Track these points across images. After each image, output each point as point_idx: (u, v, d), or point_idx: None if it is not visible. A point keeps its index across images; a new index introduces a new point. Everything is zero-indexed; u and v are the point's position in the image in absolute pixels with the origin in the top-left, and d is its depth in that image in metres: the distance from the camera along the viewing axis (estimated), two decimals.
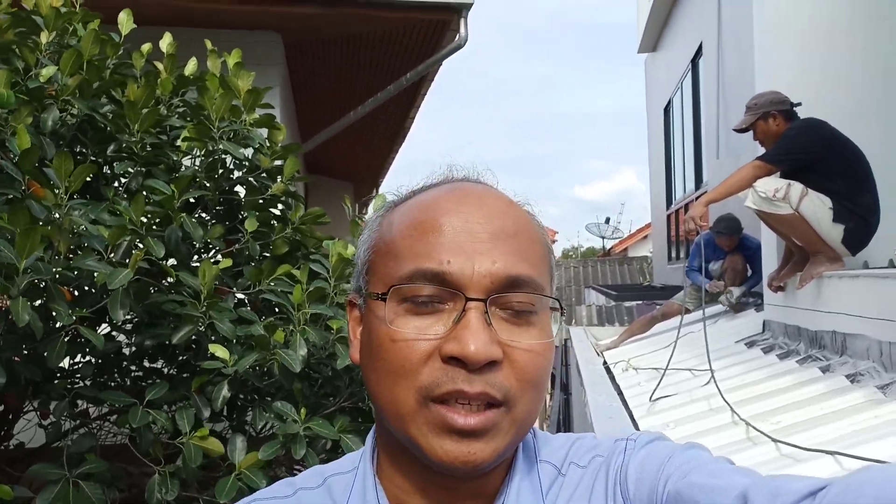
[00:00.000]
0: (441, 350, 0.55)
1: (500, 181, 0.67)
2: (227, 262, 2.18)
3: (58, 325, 1.72)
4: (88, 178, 2.31)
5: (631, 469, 0.61)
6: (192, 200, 2.36)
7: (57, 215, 1.79)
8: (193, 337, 2.01)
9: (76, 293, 2.07)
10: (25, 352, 2.03)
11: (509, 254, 0.57)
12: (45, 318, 1.83)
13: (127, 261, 1.87)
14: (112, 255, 1.88)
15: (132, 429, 1.92)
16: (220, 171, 2.37)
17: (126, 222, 1.89)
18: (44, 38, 2.07)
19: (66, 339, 1.81)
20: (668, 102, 9.51)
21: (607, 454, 0.64)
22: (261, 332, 1.96)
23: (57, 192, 1.79)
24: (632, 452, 0.62)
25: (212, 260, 2.39)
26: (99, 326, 2.17)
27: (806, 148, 3.22)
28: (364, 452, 0.66)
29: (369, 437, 0.67)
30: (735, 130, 3.62)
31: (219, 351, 1.90)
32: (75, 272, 1.86)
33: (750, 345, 3.83)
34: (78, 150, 2.25)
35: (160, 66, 2.40)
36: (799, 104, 3.44)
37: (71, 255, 1.89)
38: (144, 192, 2.17)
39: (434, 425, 0.55)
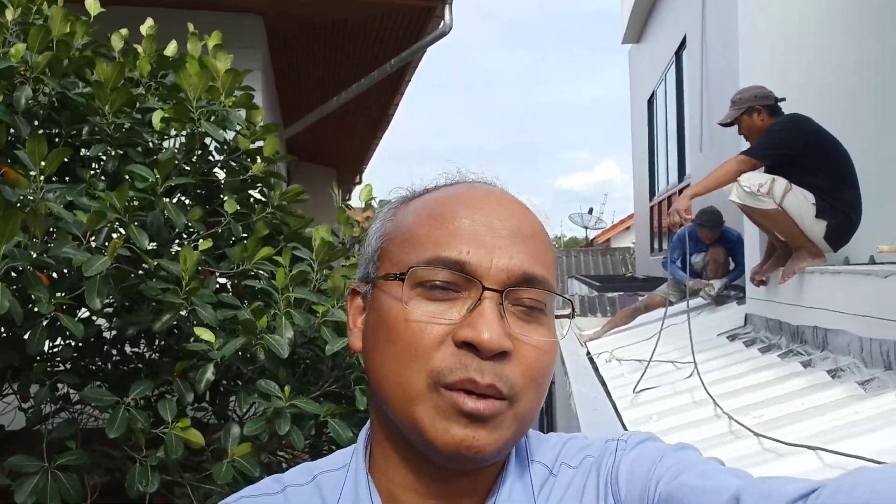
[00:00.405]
0: (455, 335, 0.55)
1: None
2: (208, 244, 2.14)
3: (37, 311, 1.67)
4: (65, 160, 2.26)
5: (622, 470, 0.61)
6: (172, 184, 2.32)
7: (32, 199, 1.74)
8: (174, 322, 1.97)
9: (55, 275, 2.02)
10: (4, 335, 1.98)
11: (526, 253, 0.58)
12: (24, 304, 1.77)
13: (106, 245, 1.82)
14: (92, 240, 1.84)
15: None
16: (199, 152, 2.32)
17: (106, 208, 1.84)
18: (9, 15, 2.01)
19: (45, 325, 1.77)
20: (652, 94, 9.53)
21: (598, 455, 0.64)
22: (247, 316, 1.93)
23: (32, 174, 1.73)
24: (622, 453, 0.62)
25: (193, 245, 2.35)
26: (78, 311, 2.13)
27: (790, 143, 3.23)
28: (356, 449, 0.65)
29: (362, 434, 0.66)
30: (720, 124, 3.63)
31: (204, 334, 1.87)
32: (51, 258, 1.80)
33: (732, 338, 3.85)
34: (52, 130, 2.19)
35: (139, 48, 2.34)
36: (783, 99, 3.45)
37: (48, 240, 1.84)
38: (126, 177, 2.12)
39: (442, 409, 0.55)
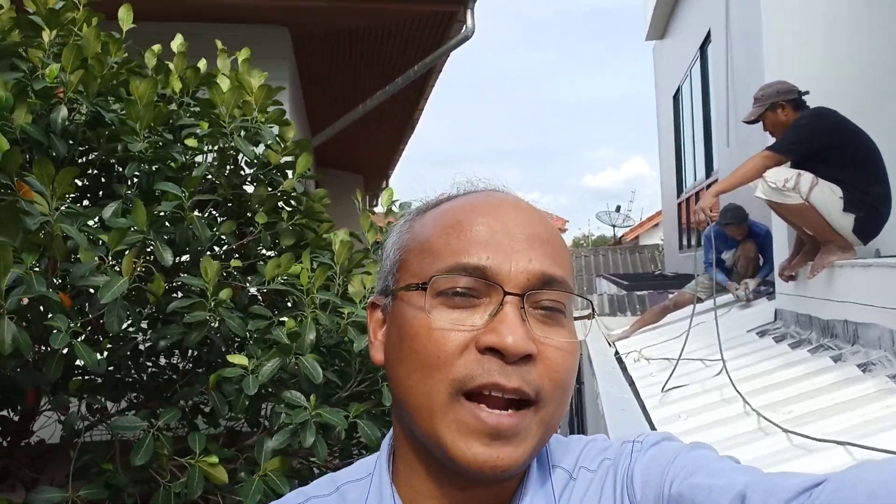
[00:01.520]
0: (478, 341, 0.56)
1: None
2: (237, 263, 2.20)
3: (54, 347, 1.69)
4: (102, 179, 2.34)
5: (637, 471, 0.61)
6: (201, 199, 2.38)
7: (47, 222, 1.73)
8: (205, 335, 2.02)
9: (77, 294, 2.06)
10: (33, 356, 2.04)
11: (543, 255, 0.59)
12: (44, 332, 1.79)
13: (134, 265, 1.85)
14: (112, 262, 1.84)
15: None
16: (231, 167, 2.39)
17: (130, 227, 1.87)
18: (45, 37, 2.07)
19: (65, 353, 1.78)
20: (677, 90, 9.45)
21: (615, 457, 0.64)
22: (283, 338, 1.96)
23: (48, 198, 1.72)
24: (638, 455, 0.63)
25: (222, 255, 2.41)
26: (109, 332, 2.18)
27: (815, 137, 3.20)
28: (379, 458, 0.66)
29: (385, 442, 0.67)
30: (744, 122, 3.61)
31: (236, 359, 1.90)
32: (69, 284, 1.83)
33: (762, 334, 3.82)
34: (85, 148, 2.26)
35: (171, 65, 2.41)
36: (807, 93, 3.42)
37: (70, 261, 1.88)
38: (156, 192, 2.18)
39: (463, 424, 0.55)
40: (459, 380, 0.55)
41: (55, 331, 1.67)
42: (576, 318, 0.62)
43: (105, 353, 2.19)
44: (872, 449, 1.86)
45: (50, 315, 1.79)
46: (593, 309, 0.63)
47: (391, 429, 0.68)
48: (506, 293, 0.57)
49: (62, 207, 1.80)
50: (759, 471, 0.56)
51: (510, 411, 0.55)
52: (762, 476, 0.54)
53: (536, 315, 0.58)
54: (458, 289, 0.57)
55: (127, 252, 1.82)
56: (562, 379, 0.58)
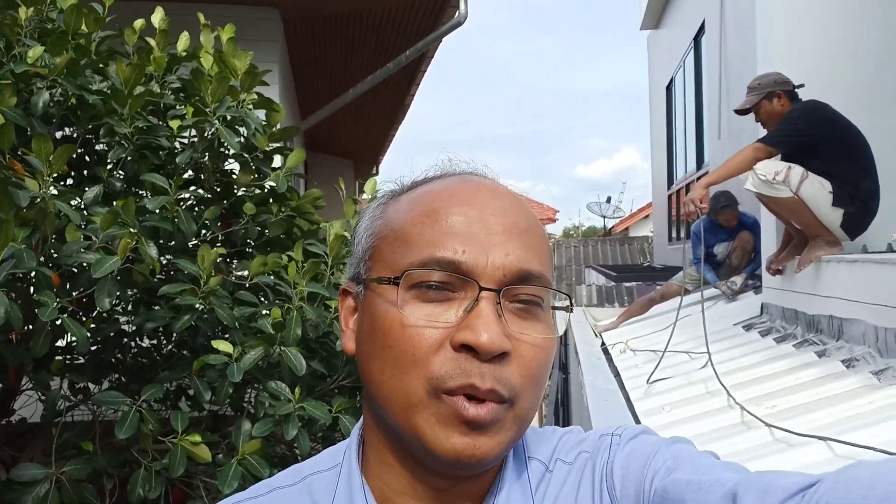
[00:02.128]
0: (453, 339, 0.55)
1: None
2: (221, 251, 2.17)
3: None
4: (86, 159, 2.30)
5: (616, 465, 0.60)
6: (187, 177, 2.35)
7: (40, 199, 1.73)
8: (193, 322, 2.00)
9: (74, 270, 2.05)
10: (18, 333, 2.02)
11: (521, 248, 0.57)
12: (33, 306, 1.79)
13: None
14: (102, 243, 1.85)
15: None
16: (215, 149, 2.35)
17: (118, 212, 1.85)
18: (22, 13, 2.02)
19: (50, 329, 1.78)
20: (671, 81, 9.43)
21: (593, 450, 0.63)
22: (268, 328, 1.94)
23: (44, 175, 1.74)
24: (617, 448, 0.62)
25: (208, 240, 2.38)
26: (93, 312, 2.16)
27: (807, 131, 3.19)
28: (348, 448, 0.64)
29: (354, 433, 0.65)
30: (736, 112, 3.59)
31: (221, 346, 1.88)
32: (60, 260, 1.82)
33: (747, 328, 3.84)
34: (67, 131, 2.22)
35: (152, 42, 2.35)
36: (801, 86, 3.41)
37: (58, 239, 1.87)
38: (139, 179, 2.15)
39: (443, 416, 0.54)
40: (436, 378, 0.54)
41: (43, 306, 1.66)
42: (554, 308, 0.61)
43: (89, 333, 2.18)
44: (854, 445, 1.87)
45: (33, 292, 1.77)
46: (571, 303, 0.61)
47: (360, 418, 0.66)
48: (481, 288, 0.55)
49: (56, 185, 1.79)
50: (744, 467, 0.56)
51: (487, 403, 0.54)
52: (751, 475, 0.53)
53: (512, 309, 0.57)
54: (432, 282, 0.56)
55: (117, 236, 1.80)
56: (535, 375, 0.57)
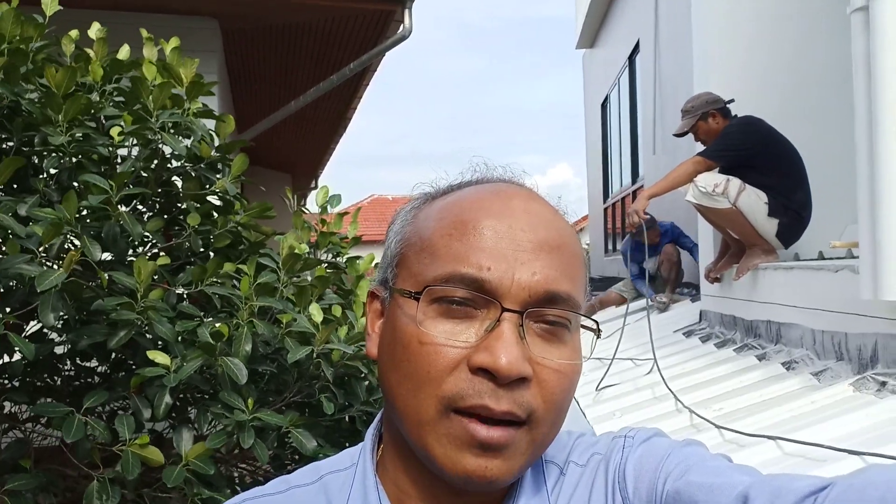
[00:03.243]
0: (470, 360, 0.53)
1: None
2: (165, 260, 2.09)
3: None
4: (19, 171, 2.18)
5: (629, 468, 0.60)
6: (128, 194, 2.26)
7: None
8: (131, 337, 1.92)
9: (2, 290, 1.94)
10: None
11: (550, 268, 0.55)
12: None
13: (60, 260, 1.76)
14: (44, 254, 1.77)
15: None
16: (158, 161, 2.27)
17: (61, 220, 1.78)
18: None
19: None
20: (606, 98, 9.70)
21: (605, 452, 0.63)
22: (207, 337, 1.88)
23: None
24: (629, 450, 0.62)
25: (149, 254, 2.29)
26: (27, 325, 2.05)
27: (744, 145, 3.33)
28: (363, 449, 0.64)
29: (369, 433, 0.64)
30: (675, 135, 3.72)
31: (159, 357, 1.82)
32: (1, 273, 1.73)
33: (688, 334, 3.94)
34: (3, 138, 2.11)
35: (91, 52, 2.27)
36: (732, 101, 3.56)
37: None
38: (79, 186, 2.06)
39: (455, 437, 0.53)
40: (449, 397, 0.53)
41: None
42: (582, 327, 0.58)
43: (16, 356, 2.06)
44: (801, 443, 1.93)
45: None
46: (598, 329, 0.59)
47: (376, 419, 0.66)
48: (504, 309, 0.53)
49: None
50: (757, 471, 0.56)
51: (501, 427, 0.53)
52: (763, 477, 0.53)
53: (537, 330, 0.55)
54: (454, 298, 0.54)
55: (57, 244, 1.72)
56: (557, 401, 0.55)
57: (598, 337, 0.59)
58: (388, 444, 0.62)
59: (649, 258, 5.21)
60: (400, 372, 0.56)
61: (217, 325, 1.94)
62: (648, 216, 4.98)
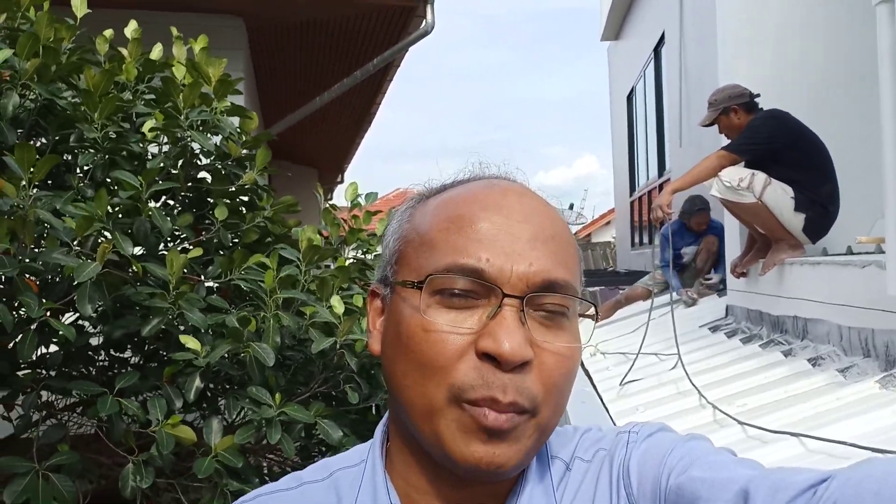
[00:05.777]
0: (476, 346, 0.54)
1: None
2: (197, 252, 2.14)
3: (27, 318, 1.67)
4: (53, 168, 2.25)
5: (633, 463, 0.61)
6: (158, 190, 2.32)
7: (21, 206, 1.74)
8: (163, 327, 1.98)
9: (45, 280, 2.01)
10: None
11: (546, 257, 0.57)
12: (11, 312, 1.77)
13: (94, 253, 1.83)
14: (79, 247, 1.84)
15: (101, 420, 1.89)
16: (188, 157, 2.33)
17: (92, 215, 1.84)
18: None
19: (34, 331, 1.77)
20: (631, 90, 9.62)
21: (610, 447, 0.64)
22: (234, 324, 1.94)
23: (22, 183, 1.73)
24: (634, 446, 0.62)
25: (180, 248, 2.35)
26: (63, 317, 2.12)
27: (769, 138, 3.29)
28: (373, 445, 0.65)
29: (378, 430, 0.66)
30: (700, 126, 3.70)
31: (190, 342, 1.88)
32: (41, 264, 1.80)
33: (713, 329, 3.92)
34: (38, 137, 2.18)
35: (124, 51, 2.33)
36: (758, 95, 3.52)
37: (35, 247, 1.84)
38: (110, 182, 2.12)
39: (464, 424, 0.54)
40: (458, 387, 0.54)
41: (26, 307, 1.65)
42: (580, 316, 0.60)
43: (54, 347, 2.13)
44: (824, 440, 1.92)
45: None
46: (597, 312, 0.61)
47: (385, 416, 0.67)
48: (505, 295, 0.55)
49: (29, 192, 1.78)
50: (760, 464, 0.56)
51: (507, 413, 0.54)
52: (765, 471, 0.54)
53: (537, 318, 0.56)
54: (455, 289, 0.56)
55: (92, 238, 1.79)
56: (558, 384, 0.57)
57: (596, 322, 0.60)
58: (395, 440, 0.63)
59: (688, 246, 5.17)
60: (406, 363, 0.57)
61: (245, 312, 2.00)
62: (700, 198, 4.93)
